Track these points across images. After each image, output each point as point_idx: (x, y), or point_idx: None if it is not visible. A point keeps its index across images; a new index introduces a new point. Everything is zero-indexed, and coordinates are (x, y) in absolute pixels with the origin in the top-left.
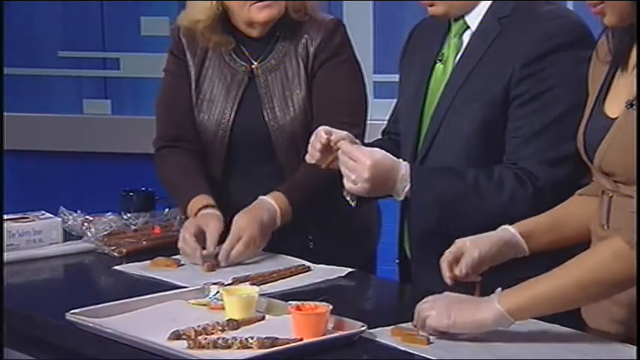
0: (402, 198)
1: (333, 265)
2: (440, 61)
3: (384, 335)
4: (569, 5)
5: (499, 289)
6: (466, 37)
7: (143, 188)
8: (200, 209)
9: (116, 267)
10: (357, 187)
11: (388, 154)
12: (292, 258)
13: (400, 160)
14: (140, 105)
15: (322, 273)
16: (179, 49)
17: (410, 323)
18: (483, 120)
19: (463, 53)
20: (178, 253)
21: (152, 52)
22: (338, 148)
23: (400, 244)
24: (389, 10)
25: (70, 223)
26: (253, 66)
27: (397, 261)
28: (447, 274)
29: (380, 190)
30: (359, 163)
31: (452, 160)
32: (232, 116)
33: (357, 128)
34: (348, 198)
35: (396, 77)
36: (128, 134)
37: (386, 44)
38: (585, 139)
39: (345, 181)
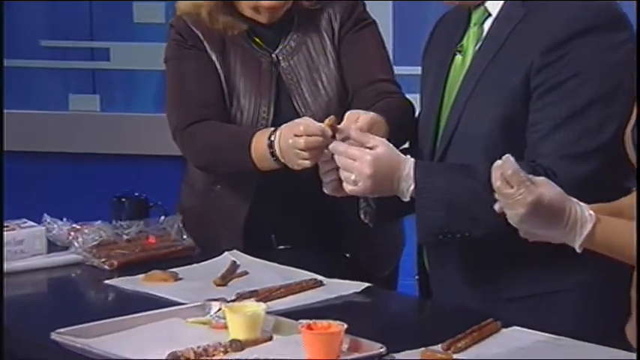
0: (407, 199)
1: (361, 278)
2: (459, 52)
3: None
4: None
5: None
6: (487, 26)
7: (136, 194)
8: (274, 130)
9: (106, 281)
10: (358, 187)
11: (394, 148)
12: (303, 271)
13: (407, 156)
14: (132, 100)
15: (336, 288)
16: (195, 40)
17: (439, 346)
18: (504, 114)
19: (483, 42)
20: (175, 266)
21: (146, 42)
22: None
23: (419, 257)
24: (409, 10)
25: (54, 232)
26: (273, 55)
27: (416, 277)
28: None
29: (384, 188)
30: (358, 160)
31: (471, 159)
32: (271, 114)
33: (395, 85)
34: (366, 219)
35: (415, 70)
36: (119, 133)
37: (405, 42)
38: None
39: (345, 185)
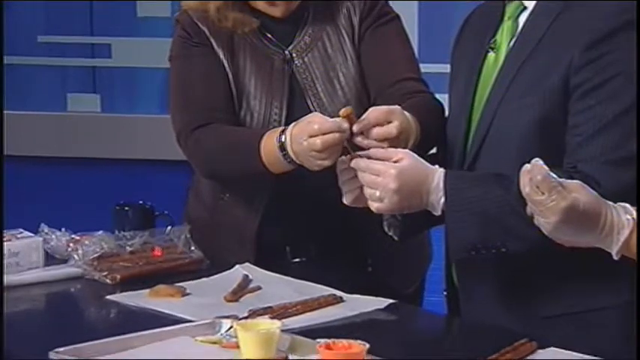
0: (438, 213)
1: (383, 293)
2: (492, 49)
3: None
4: None
5: None
6: (522, 20)
7: (141, 202)
8: (282, 131)
9: (109, 296)
10: (384, 204)
11: (420, 159)
12: (320, 286)
13: (435, 166)
14: (136, 101)
15: (357, 304)
16: (201, 37)
17: None
18: (540, 116)
19: (518, 38)
20: (183, 280)
21: (150, 37)
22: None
23: (447, 271)
24: (435, 5)
25: (52, 243)
26: (286, 51)
27: (445, 293)
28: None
29: (412, 203)
30: (382, 175)
31: (505, 165)
32: (284, 116)
33: (422, 83)
34: (390, 232)
35: (441, 67)
36: (122, 136)
37: (431, 37)
38: None
39: (370, 203)
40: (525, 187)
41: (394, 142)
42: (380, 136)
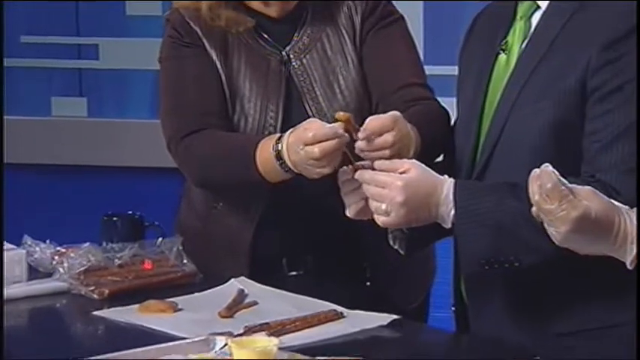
0: (449, 225)
1: (386, 309)
2: (503, 50)
3: None
4: None
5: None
6: (535, 20)
7: (130, 212)
8: (278, 139)
9: (96, 312)
10: (391, 218)
11: (428, 169)
12: (320, 301)
13: (445, 176)
14: (125, 105)
15: (359, 321)
16: (193, 37)
17: None
18: (555, 121)
19: (530, 38)
20: (175, 295)
21: (140, 37)
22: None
23: (456, 285)
24: (440, 5)
25: (36, 256)
26: (283, 52)
27: (453, 308)
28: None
29: (421, 216)
30: (388, 188)
31: (517, 173)
32: (280, 121)
33: (427, 89)
34: (395, 245)
35: (447, 70)
36: (110, 142)
37: (437, 38)
38: None
39: (376, 217)
40: (535, 196)
41: (393, 150)
42: (377, 147)
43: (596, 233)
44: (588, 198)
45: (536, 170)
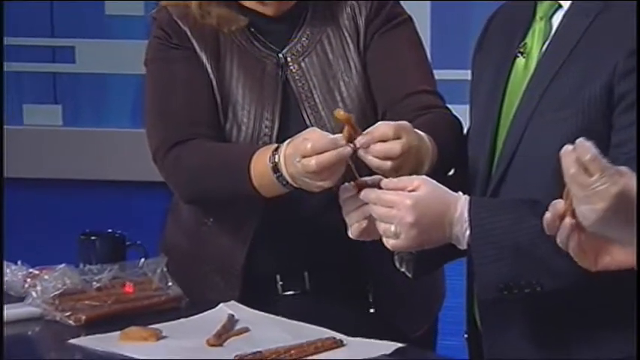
0: (464, 246)
1: (390, 336)
2: (521, 53)
3: None
4: None
5: None
6: (557, 20)
7: (110, 230)
8: (275, 150)
9: (72, 340)
10: (401, 240)
11: (440, 186)
12: (317, 327)
13: (459, 193)
14: (104, 112)
15: (360, 349)
16: (182, 38)
17: None
18: (579, 130)
19: (552, 41)
20: (159, 321)
21: (119, 39)
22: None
23: (469, 311)
24: (449, 6)
25: (7, 278)
26: (280, 55)
27: (465, 335)
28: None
29: (433, 237)
30: (397, 207)
31: (537, 189)
32: (276, 130)
33: (437, 97)
34: (402, 268)
35: (456, 74)
36: (87, 154)
37: (445, 40)
38: None
39: (385, 240)
40: (570, 169)
41: (399, 162)
42: (380, 154)
43: (631, 216)
44: (628, 176)
45: (569, 146)
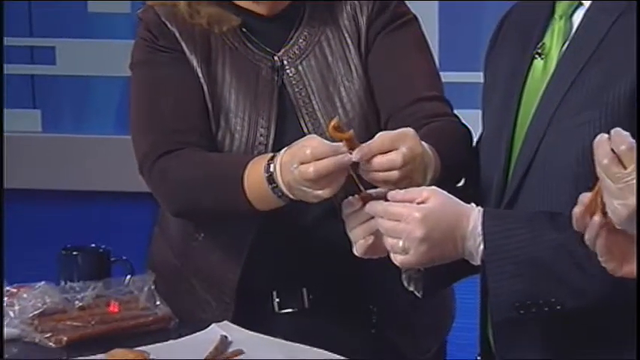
0: (478, 262)
1: (394, 358)
2: (539, 55)
3: None
4: None
5: None
6: (577, 18)
7: (93, 245)
8: (271, 159)
9: None
10: (410, 256)
11: (451, 197)
12: (316, 350)
13: (472, 205)
14: (86, 118)
15: None
16: (170, 40)
17: None
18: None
19: (572, 40)
20: (147, 342)
21: (103, 38)
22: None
23: (482, 331)
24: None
25: None
26: (275, 57)
27: (478, 358)
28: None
29: (445, 252)
30: (405, 221)
31: (556, 199)
32: (271, 138)
33: (445, 103)
34: (411, 287)
35: (464, 76)
36: (69, 162)
37: (453, 40)
38: None
39: (393, 256)
40: (603, 159)
41: (407, 170)
42: (382, 167)
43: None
44: None
45: (603, 135)
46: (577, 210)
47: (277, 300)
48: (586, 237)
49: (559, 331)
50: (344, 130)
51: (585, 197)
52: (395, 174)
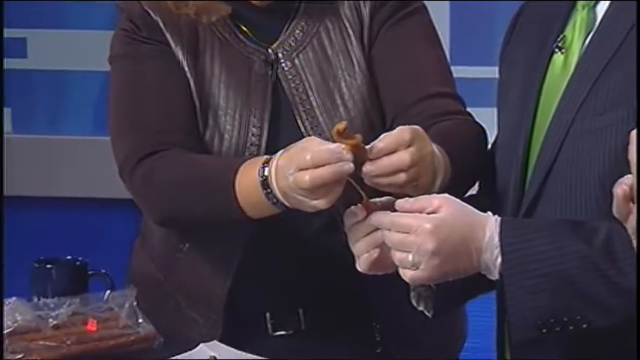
0: (495, 276)
1: None
2: (560, 48)
3: None
4: None
5: None
6: (601, 9)
7: (69, 256)
8: (266, 162)
9: None
10: (421, 271)
11: (465, 205)
12: None
13: (488, 214)
14: (60, 117)
15: None
16: (154, 31)
17: None
18: (629, 135)
19: (596, 32)
20: None
21: (79, 29)
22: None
23: (500, 351)
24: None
25: None
26: (269, 50)
27: None
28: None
29: (459, 267)
30: (414, 233)
31: (579, 205)
32: (264, 138)
33: (457, 101)
34: (420, 306)
35: (478, 71)
36: (41, 165)
37: (465, 34)
38: None
39: (402, 271)
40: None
41: (414, 172)
42: (387, 170)
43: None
44: None
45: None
46: (619, 191)
47: (271, 321)
48: (628, 227)
49: (585, 353)
50: (350, 136)
51: (627, 178)
52: (402, 177)
